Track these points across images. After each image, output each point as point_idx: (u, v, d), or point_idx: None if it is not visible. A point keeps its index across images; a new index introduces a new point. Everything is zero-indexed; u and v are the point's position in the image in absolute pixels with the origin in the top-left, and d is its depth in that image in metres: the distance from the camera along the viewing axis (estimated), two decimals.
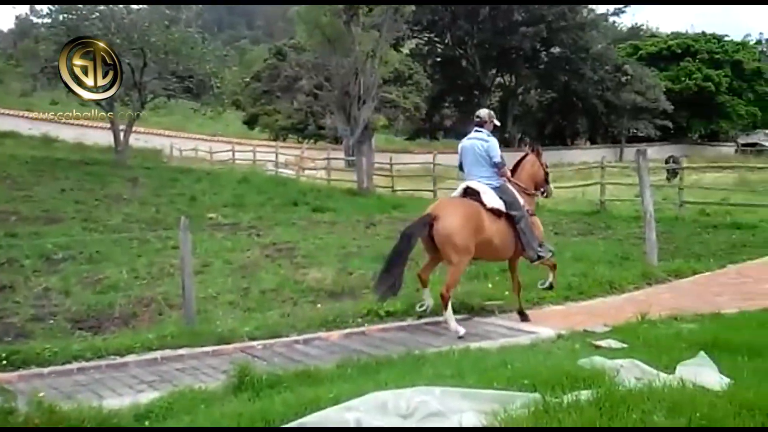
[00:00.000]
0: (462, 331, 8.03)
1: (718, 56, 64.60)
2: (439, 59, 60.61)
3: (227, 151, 39.03)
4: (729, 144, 64.66)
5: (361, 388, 4.96)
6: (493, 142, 8.74)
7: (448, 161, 34.31)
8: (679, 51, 64.61)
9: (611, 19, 67.78)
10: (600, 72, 56.60)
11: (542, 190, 9.67)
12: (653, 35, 74.95)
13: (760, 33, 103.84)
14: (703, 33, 68.55)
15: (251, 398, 5.54)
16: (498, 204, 8.43)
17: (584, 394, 4.40)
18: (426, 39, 59.90)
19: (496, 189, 8.57)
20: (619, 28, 79.32)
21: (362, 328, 8.55)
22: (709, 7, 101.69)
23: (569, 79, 57.15)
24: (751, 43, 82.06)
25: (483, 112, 9.09)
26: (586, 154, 52.65)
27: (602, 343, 6.76)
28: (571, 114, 60.44)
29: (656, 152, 43.29)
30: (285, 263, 12.59)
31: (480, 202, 8.37)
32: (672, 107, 57.06)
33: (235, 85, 43.00)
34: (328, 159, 32.97)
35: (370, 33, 29.48)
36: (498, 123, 9.23)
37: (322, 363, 6.71)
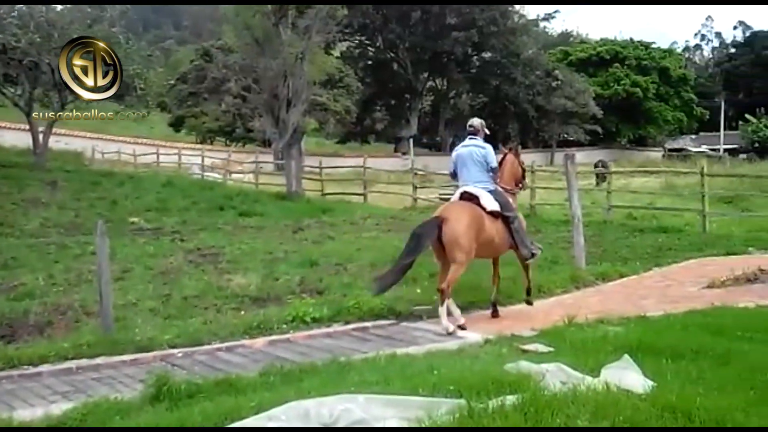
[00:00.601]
0: (451, 327, 8.33)
1: (645, 63, 66.45)
2: (370, 62, 60.90)
3: (152, 153, 38.39)
4: (656, 149, 66.59)
5: (284, 396, 4.87)
6: (490, 149, 9.34)
7: (378, 165, 34.55)
8: (608, 57, 66.22)
9: (542, 24, 69.15)
10: (531, 77, 57.65)
11: (520, 185, 10.19)
12: (583, 41, 76.87)
13: (686, 41, 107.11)
14: (631, 40, 70.50)
15: (169, 408, 5.40)
16: (495, 206, 8.97)
17: (510, 399, 4.41)
18: (357, 42, 60.16)
19: (491, 192, 9.08)
20: (549, 34, 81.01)
21: (287, 335, 8.46)
22: (637, 14, 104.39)
23: (501, 84, 58.05)
24: (678, 50, 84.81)
25: (476, 122, 9.64)
26: None
27: (529, 347, 6.79)
28: (502, 118, 61.27)
29: (586, 157, 44.29)
30: (209, 269, 12.41)
31: (479, 206, 8.86)
32: (601, 112, 58.44)
33: (160, 87, 42.28)
34: (256, 162, 32.73)
35: (300, 35, 29.28)
36: (488, 132, 9.76)
37: (245, 371, 6.60)
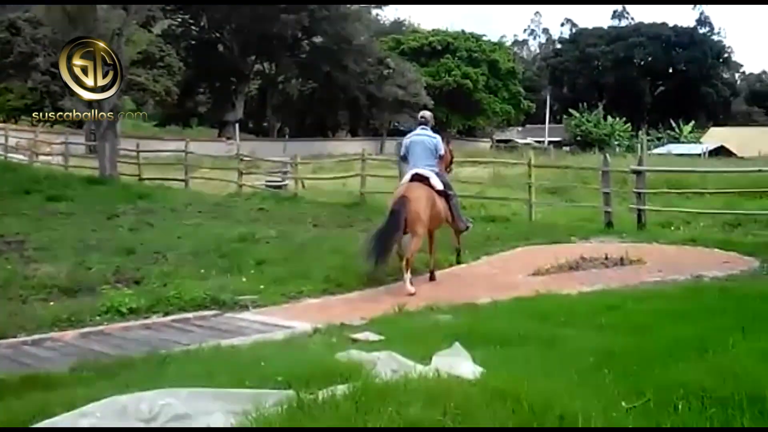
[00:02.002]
0: (413, 290, 9.79)
1: (476, 55, 68.92)
2: (193, 42, 59.31)
3: None
4: (485, 140, 69.34)
5: (99, 392, 4.66)
6: (439, 139, 11.30)
7: (201, 150, 33.75)
8: (440, 48, 68.18)
9: (374, 11, 70.08)
10: (363, 64, 58.23)
11: (449, 169, 12.05)
12: (415, 31, 78.53)
13: (515, 35, 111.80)
14: (463, 31, 72.78)
15: None
16: (440, 186, 10.82)
17: (340, 389, 4.41)
18: (180, 20, 58.32)
19: (437, 174, 10.92)
20: (381, 22, 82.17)
21: (101, 327, 8.07)
22: (469, 6, 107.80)
23: (331, 70, 58.27)
24: (507, 44, 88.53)
25: (427, 114, 11.83)
26: (347, 146, 53.92)
27: (360, 336, 6.84)
28: (332, 105, 61.68)
29: None
30: (13, 257, 11.77)
31: (429, 185, 10.62)
32: (432, 102, 59.94)
33: None
34: (66, 144, 31.18)
35: (117, 11, 28.04)
36: (433, 122, 11.77)
37: (54, 366, 6.29)
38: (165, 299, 8.97)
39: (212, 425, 4.07)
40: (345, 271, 10.56)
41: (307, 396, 4.31)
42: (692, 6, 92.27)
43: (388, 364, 5.14)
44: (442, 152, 11.14)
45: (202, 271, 10.81)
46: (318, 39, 59.08)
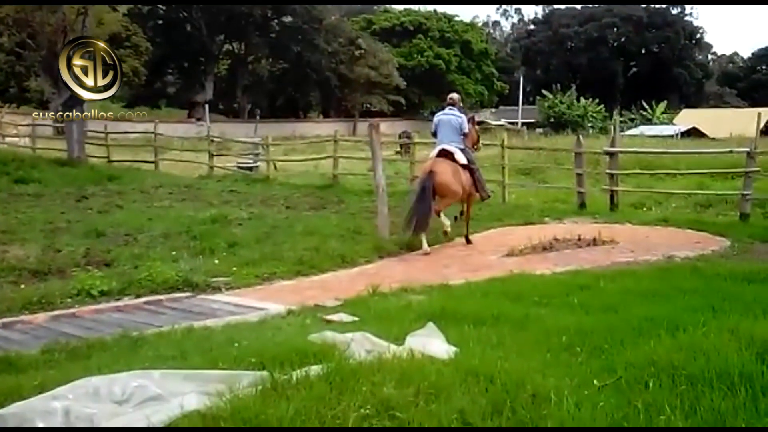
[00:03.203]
0: (428, 249, 11.54)
1: (448, 35, 68.86)
2: (160, 22, 58.60)
3: None
4: None
5: (71, 374, 4.68)
6: (464, 118, 12.71)
7: (171, 131, 33.53)
8: (412, 28, 68.01)
9: None
10: (334, 44, 57.96)
11: (476, 147, 13.69)
12: (386, 11, 78.06)
13: (488, 15, 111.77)
14: (435, 11, 72.61)
15: None
16: (464, 161, 12.23)
17: (314, 370, 4.45)
18: None
19: (462, 150, 12.31)
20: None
21: (72, 310, 8.03)
22: None
23: (302, 50, 57.91)
24: (479, 24, 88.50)
25: (455, 96, 13.24)
26: (319, 128, 53.83)
27: (333, 317, 6.88)
28: (304, 86, 61.40)
29: (389, 127, 45.30)
30: None
31: (453, 160, 12.10)
32: (405, 83, 59.89)
33: None
34: (32, 125, 30.82)
35: None
36: (462, 105, 13.71)
37: (25, 349, 6.25)
38: (136, 281, 8.93)
39: (186, 406, 4.06)
40: (318, 252, 10.59)
41: (281, 377, 4.34)
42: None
43: (362, 345, 5.19)
44: (466, 130, 12.51)
45: (174, 253, 10.78)
46: (288, 18, 58.62)
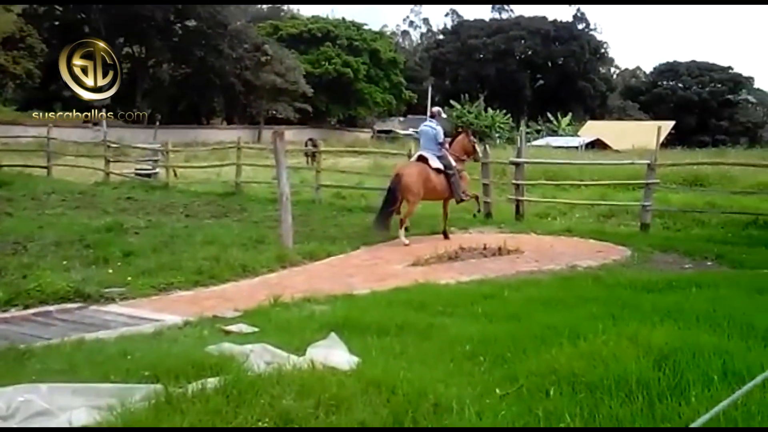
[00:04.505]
0: (407, 241, 13.19)
1: (357, 43, 69.15)
2: (57, 23, 56.91)
3: None
4: (366, 130, 69.70)
5: None
6: (440, 129, 14.20)
7: (65, 136, 32.56)
8: (320, 35, 68.01)
9: None
10: (239, 50, 57.37)
11: (472, 157, 15.25)
12: (294, 17, 77.91)
13: (397, 25, 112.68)
14: (343, 19, 72.84)
15: None
16: (439, 165, 13.81)
17: (211, 382, 4.40)
18: None
19: (438, 157, 13.89)
20: (259, 7, 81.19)
21: None
22: None
23: (206, 55, 57.13)
24: (388, 33, 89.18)
25: (435, 109, 15.43)
26: (222, 134, 53.29)
27: (233, 328, 6.77)
28: (207, 92, 60.54)
29: (295, 135, 45.17)
30: None
31: (428, 165, 13.72)
32: (312, 91, 59.80)
33: None
34: None
35: None
36: (445, 115, 15.58)
37: None
38: (25, 292, 8.58)
39: (74, 422, 3.99)
40: (218, 262, 10.41)
41: (175, 390, 4.28)
42: (569, 4, 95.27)
43: (261, 356, 5.14)
44: (441, 140, 14.04)
45: (66, 262, 10.41)
46: (191, 22, 57.77)
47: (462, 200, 14.36)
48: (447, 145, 14.38)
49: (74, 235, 12.49)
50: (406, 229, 13.71)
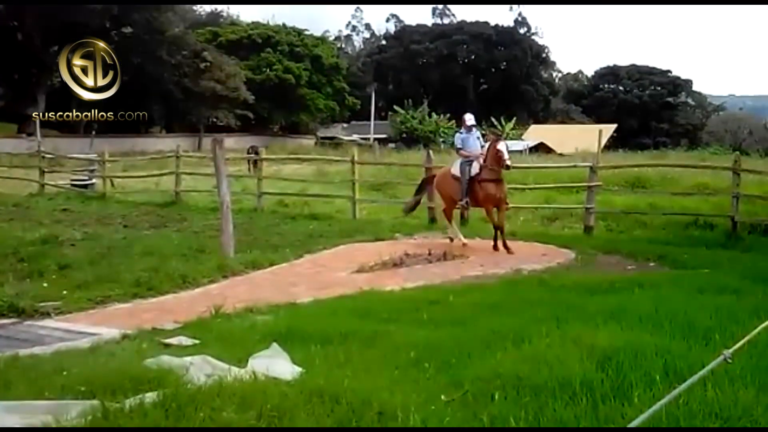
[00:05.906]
0: (464, 240, 13.92)
1: (298, 49, 68.87)
2: None
3: None
4: (309, 136, 69.50)
5: None
6: (457, 137, 14.92)
7: None
8: (260, 41, 67.61)
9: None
10: (177, 57, 56.77)
11: (503, 165, 13.68)
12: (233, 23, 77.28)
13: (339, 30, 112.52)
14: (284, 25, 72.50)
15: None
16: (456, 173, 13.97)
17: (149, 397, 4.34)
18: None
19: (461, 165, 13.96)
20: (198, 12, 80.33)
21: None
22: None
23: (143, 62, 56.34)
24: (331, 39, 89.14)
25: (468, 116, 14.94)
26: (161, 143, 52.59)
27: (172, 340, 6.68)
28: (145, 99, 59.65)
29: (236, 142, 44.91)
30: None
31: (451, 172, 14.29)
32: (253, 97, 59.39)
33: None
34: None
35: None
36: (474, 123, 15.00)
37: None
38: None
39: None
40: (157, 273, 10.29)
41: (112, 405, 4.21)
42: (509, 7, 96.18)
43: (201, 369, 5.07)
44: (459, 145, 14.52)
45: None
46: (128, 29, 57.01)
47: (464, 207, 14.79)
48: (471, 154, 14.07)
49: (8, 248, 12.26)
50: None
